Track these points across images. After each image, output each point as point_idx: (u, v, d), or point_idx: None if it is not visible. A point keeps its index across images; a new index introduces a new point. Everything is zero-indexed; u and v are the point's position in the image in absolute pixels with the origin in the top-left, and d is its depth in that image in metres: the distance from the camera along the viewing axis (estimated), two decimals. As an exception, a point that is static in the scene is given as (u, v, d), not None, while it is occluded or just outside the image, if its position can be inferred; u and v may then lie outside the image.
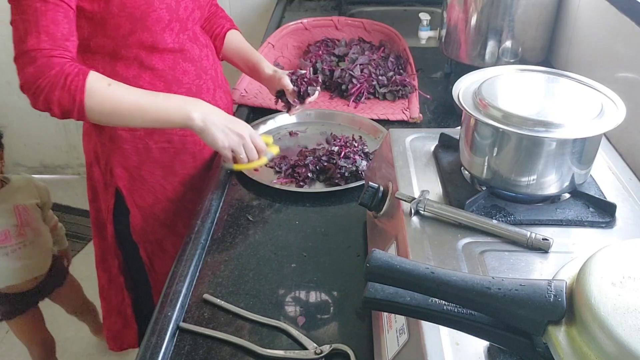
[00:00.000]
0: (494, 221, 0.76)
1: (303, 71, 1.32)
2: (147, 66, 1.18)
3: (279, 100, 1.35)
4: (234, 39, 1.42)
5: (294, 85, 1.30)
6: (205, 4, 1.28)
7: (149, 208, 1.32)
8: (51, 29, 1.02)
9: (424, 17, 1.77)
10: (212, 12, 1.42)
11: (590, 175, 0.85)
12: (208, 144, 1.13)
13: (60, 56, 1.02)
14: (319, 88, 1.32)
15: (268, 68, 1.36)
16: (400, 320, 0.69)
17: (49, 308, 2.36)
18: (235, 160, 1.16)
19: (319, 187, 1.21)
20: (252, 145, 1.15)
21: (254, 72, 1.39)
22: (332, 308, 0.91)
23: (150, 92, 1.11)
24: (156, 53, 1.18)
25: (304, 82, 1.30)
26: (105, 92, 1.05)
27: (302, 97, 1.31)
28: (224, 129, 1.11)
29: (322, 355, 0.81)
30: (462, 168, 0.89)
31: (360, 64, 1.59)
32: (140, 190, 1.29)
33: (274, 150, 1.22)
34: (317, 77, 1.33)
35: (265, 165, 1.27)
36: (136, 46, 1.15)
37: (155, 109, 1.09)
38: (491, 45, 1.46)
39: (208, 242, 1.05)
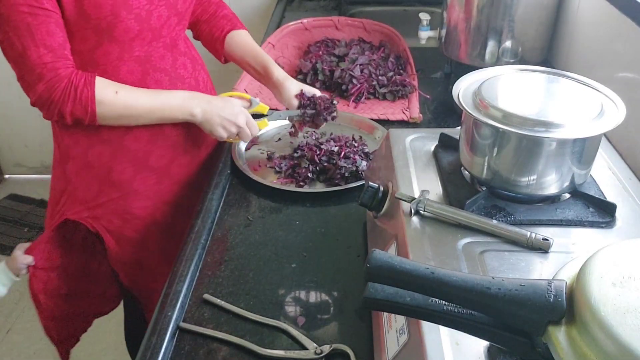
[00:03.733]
0: (494, 221, 0.76)
1: (317, 92, 1.28)
2: (116, 80, 1.13)
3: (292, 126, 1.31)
4: (239, 41, 1.36)
5: (307, 107, 1.27)
6: (184, 10, 1.21)
7: (118, 230, 1.27)
8: (48, 40, 1.02)
9: (424, 17, 1.77)
10: (212, 12, 1.36)
11: (590, 175, 0.85)
12: (207, 133, 1.21)
13: (64, 67, 1.04)
14: (336, 112, 1.30)
15: (279, 72, 1.30)
16: (400, 320, 0.69)
17: (49, 308, 2.37)
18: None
19: (319, 187, 1.21)
20: (248, 132, 1.22)
21: (263, 76, 1.33)
22: (332, 308, 0.91)
23: (153, 92, 1.15)
24: (122, 64, 1.13)
25: (321, 105, 1.26)
26: (114, 99, 1.09)
27: (316, 120, 1.28)
28: (222, 123, 1.18)
29: (322, 355, 0.81)
30: (462, 168, 0.89)
31: (360, 64, 1.59)
32: (107, 215, 1.25)
33: (262, 126, 1.29)
34: (334, 103, 1.29)
35: (266, 166, 1.29)
36: (103, 61, 1.12)
37: (160, 109, 1.15)
38: (491, 45, 1.46)
39: (208, 242, 1.05)
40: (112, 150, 1.20)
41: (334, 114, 1.29)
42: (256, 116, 1.28)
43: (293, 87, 1.28)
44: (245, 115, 1.21)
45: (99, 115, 1.08)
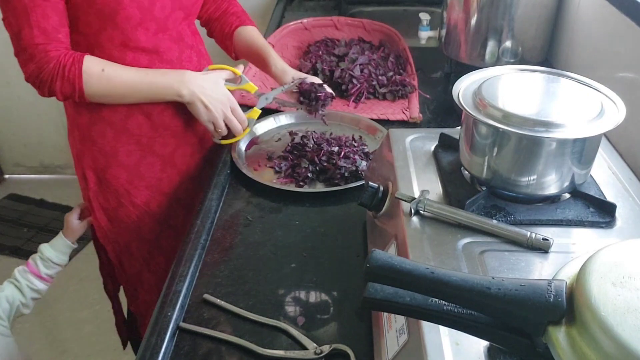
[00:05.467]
0: (494, 221, 0.76)
1: (317, 81, 1.30)
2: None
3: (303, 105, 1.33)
4: (245, 36, 1.39)
5: (305, 96, 1.29)
6: (189, 5, 1.25)
7: (113, 211, 1.32)
8: (42, 23, 1.06)
9: (424, 17, 1.77)
10: (223, 10, 1.40)
11: (590, 175, 0.85)
12: (194, 115, 1.21)
13: (55, 49, 1.08)
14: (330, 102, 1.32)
15: (276, 66, 1.33)
16: (400, 320, 0.69)
17: (48, 308, 2.37)
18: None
19: (319, 187, 1.21)
20: (233, 118, 1.22)
21: (264, 68, 1.37)
22: (332, 308, 0.91)
23: (141, 71, 1.18)
24: (129, 52, 1.17)
25: (318, 96, 1.29)
26: (100, 77, 1.12)
27: (311, 107, 1.30)
28: (207, 104, 1.19)
29: (322, 355, 0.81)
30: (462, 168, 0.89)
31: (360, 64, 1.59)
32: (105, 193, 1.30)
33: (254, 116, 1.29)
34: (331, 94, 1.31)
35: (266, 165, 1.29)
36: (108, 46, 1.16)
37: (147, 88, 1.17)
38: (491, 45, 1.46)
39: (208, 242, 1.05)
40: (116, 132, 1.24)
41: (326, 107, 1.32)
42: (248, 108, 1.30)
43: (288, 77, 1.31)
44: (232, 103, 1.22)
45: (86, 92, 1.12)
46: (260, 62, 1.36)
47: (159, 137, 1.28)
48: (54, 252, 1.33)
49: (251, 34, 1.39)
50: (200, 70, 1.30)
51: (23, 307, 1.29)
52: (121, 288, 1.50)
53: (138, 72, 1.17)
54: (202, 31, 1.42)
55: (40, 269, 1.31)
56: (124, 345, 1.60)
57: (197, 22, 1.39)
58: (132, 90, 1.16)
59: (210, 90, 1.19)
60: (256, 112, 1.30)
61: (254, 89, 1.29)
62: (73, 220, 1.37)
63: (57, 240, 1.36)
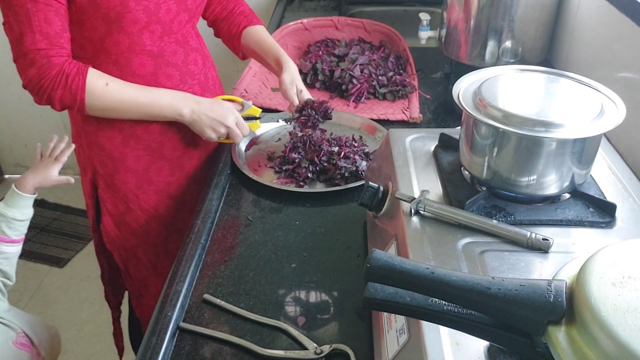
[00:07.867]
0: (494, 221, 0.76)
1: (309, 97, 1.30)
2: (128, 72, 1.17)
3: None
4: (254, 36, 1.37)
5: (301, 114, 1.28)
6: (194, 7, 1.24)
7: (121, 216, 1.32)
8: (44, 28, 1.04)
9: (424, 17, 1.77)
10: (230, 9, 1.39)
11: (590, 175, 0.85)
12: (197, 133, 1.22)
13: (58, 55, 1.06)
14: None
15: (288, 64, 1.30)
16: (400, 320, 0.69)
17: (49, 307, 2.37)
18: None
19: (319, 187, 1.21)
20: (238, 132, 1.22)
21: (275, 67, 1.33)
22: (332, 308, 0.91)
23: (144, 88, 1.16)
24: (135, 57, 1.16)
25: (314, 119, 1.28)
26: (103, 91, 1.11)
27: (304, 125, 1.30)
28: (210, 124, 1.19)
29: (322, 355, 0.81)
30: (462, 168, 0.89)
31: (360, 64, 1.59)
32: (113, 199, 1.30)
33: (254, 128, 1.31)
34: (329, 114, 1.31)
35: (266, 165, 1.29)
36: (114, 50, 1.14)
37: (149, 105, 1.16)
38: (491, 45, 1.46)
39: (208, 242, 1.05)
40: (124, 138, 1.23)
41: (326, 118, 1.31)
42: (249, 118, 1.29)
43: (294, 89, 1.28)
44: (235, 115, 1.21)
45: (87, 104, 1.10)
46: (271, 61, 1.34)
47: (168, 141, 1.27)
48: (16, 210, 1.21)
49: (260, 33, 1.37)
50: (204, 71, 1.30)
51: (6, 279, 1.20)
52: (125, 293, 1.50)
53: (141, 90, 1.16)
54: (205, 33, 1.42)
55: (7, 234, 1.20)
56: (120, 356, 1.60)
57: (202, 23, 1.38)
58: (133, 107, 1.15)
59: (211, 107, 1.19)
60: (257, 125, 1.31)
61: (258, 112, 1.31)
62: (54, 172, 1.27)
63: (14, 197, 1.22)
